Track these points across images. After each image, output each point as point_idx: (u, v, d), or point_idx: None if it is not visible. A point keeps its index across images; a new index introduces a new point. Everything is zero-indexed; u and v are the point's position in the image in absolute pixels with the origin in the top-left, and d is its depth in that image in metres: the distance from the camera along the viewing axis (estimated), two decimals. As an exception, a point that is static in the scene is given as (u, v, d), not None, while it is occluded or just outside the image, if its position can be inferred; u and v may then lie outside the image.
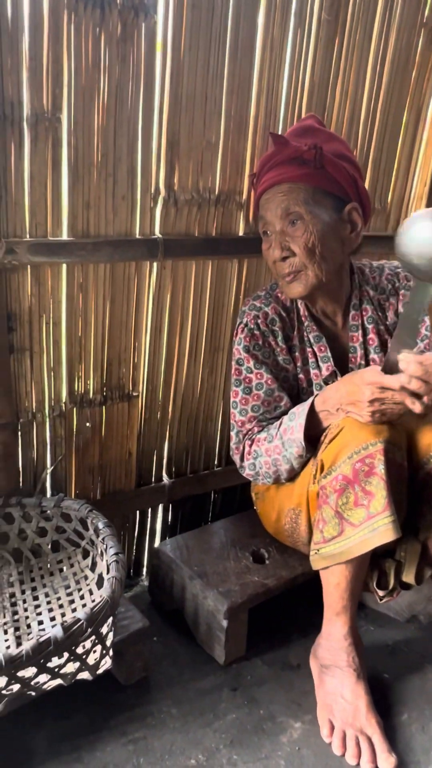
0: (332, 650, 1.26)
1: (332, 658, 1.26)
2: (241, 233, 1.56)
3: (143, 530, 1.72)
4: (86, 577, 1.38)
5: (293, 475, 1.31)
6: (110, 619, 1.11)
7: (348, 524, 1.14)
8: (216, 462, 1.77)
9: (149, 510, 1.71)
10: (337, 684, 1.24)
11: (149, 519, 1.72)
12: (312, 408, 1.25)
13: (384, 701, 1.29)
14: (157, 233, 1.43)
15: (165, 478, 1.69)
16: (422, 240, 0.93)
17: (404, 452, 1.17)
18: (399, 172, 1.76)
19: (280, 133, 1.50)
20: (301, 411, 1.27)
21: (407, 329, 1.07)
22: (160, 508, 1.73)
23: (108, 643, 1.13)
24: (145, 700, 1.28)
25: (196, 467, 1.74)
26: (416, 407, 1.07)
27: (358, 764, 1.15)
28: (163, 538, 1.75)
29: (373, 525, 1.11)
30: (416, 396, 1.07)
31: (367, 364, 1.42)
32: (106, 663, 1.13)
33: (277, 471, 1.31)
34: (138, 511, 1.69)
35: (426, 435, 1.22)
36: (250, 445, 1.35)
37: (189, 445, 1.70)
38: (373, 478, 1.11)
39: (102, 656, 1.12)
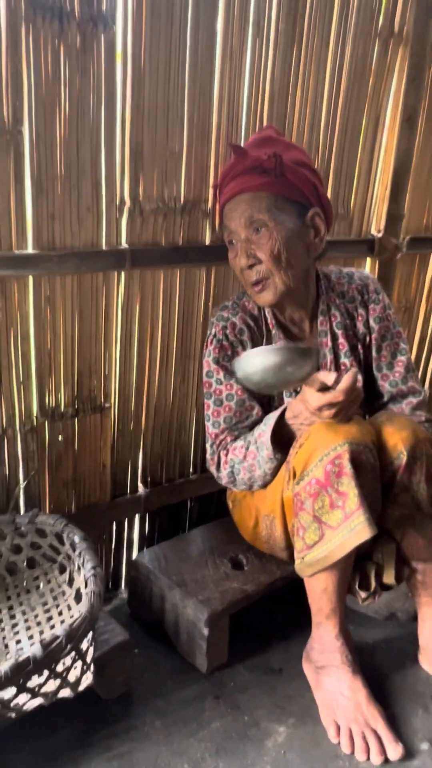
0: (326, 652, 1.27)
1: (326, 660, 1.27)
2: (208, 241, 1.56)
3: (120, 542, 1.71)
4: (64, 593, 1.36)
5: (267, 482, 1.32)
6: (90, 634, 1.10)
7: (327, 527, 1.15)
8: (191, 470, 1.77)
9: (126, 521, 1.70)
10: (334, 682, 1.25)
11: (126, 530, 1.71)
12: (283, 416, 1.26)
13: (366, 700, 1.30)
14: (124, 243, 1.43)
15: (140, 489, 1.68)
16: (245, 375, 1.10)
17: (375, 451, 1.19)
18: (360, 177, 1.79)
19: (242, 140, 1.52)
20: (272, 415, 1.28)
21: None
22: (137, 518, 1.72)
23: (88, 658, 1.11)
24: (128, 713, 1.26)
25: (171, 476, 1.73)
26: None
27: (368, 759, 1.17)
28: (140, 549, 1.74)
29: (350, 525, 1.13)
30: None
31: (338, 369, 1.44)
32: (88, 679, 1.12)
33: (252, 477, 1.32)
34: (114, 523, 1.67)
35: (392, 435, 1.24)
36: (226, 455, 1.36)
37: (163, 454, 1.70)
38: (344, 478, 1.13)
39: (83, 672, 1.11)
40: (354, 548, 1.14)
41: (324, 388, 1.12)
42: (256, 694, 1.33)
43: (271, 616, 1.54)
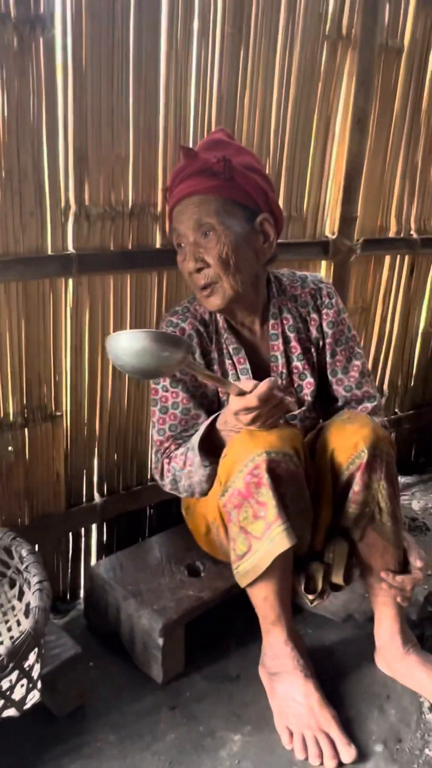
0: (277, 658, 1.27)
1: (279, 666, 1.26)
2: (158, 245, 1.55)
3: (78, 552, 1.68)
4: (14, 608, 1.32)
5: (204, 489, 1.31)
6: (35, 651, 1.07)
7: (253, 538, 1.15)
8: (149, 476, 1.75)
9: (83, 531, 1.67)
10: (287, 688, 1.24)
11: (83, 540, 1.68)
12: (215, 425, 1.26)
13: (323, 704, 1.30)
14: (71, 249, 1.41)
15: (97, 497, 1.65)
16: (115, 357, 1.04)
17: (298, 458, 1.19)
18: (313, 180, 1.80)
19: (190, 144, 1.50)
20: (206, 422, 1.28)
21: (214, 379, 1.17)
22: (94, 527, 1.70)
23: (35, 675, 1.09)
24: (80, 729, 1.24)
25: (128, 483, 1.71)
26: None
27: (322, 763, 1.16)
28: (99, 558, 1.71)
29: (271, 535, 1.13)
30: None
31: (290, 373, 1.43)
32: (34, 697, 1.09)
33: (191, 485, 1.31)
34: (71, 533, 1.64)
35: (353, 434, 1.24)
36: (169, 463, 1.35)
37: (120, 461, 1.67)
38: (263, 489, 1.13)
39: (29, 690, 1.08)
40: (281, 557, 1.14)
41: (242, 394, 1.12)
42: (213, 703, 1.32)
43: (229, 622, 1.53)
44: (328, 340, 1.45)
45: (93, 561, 1.70)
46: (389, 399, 2.29)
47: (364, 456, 1.22)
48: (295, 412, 1.40)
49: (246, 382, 1.13)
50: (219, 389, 1.38)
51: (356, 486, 1.24)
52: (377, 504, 1.26)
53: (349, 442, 1.24)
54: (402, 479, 2.37)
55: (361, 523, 1.28)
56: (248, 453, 1.15)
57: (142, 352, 1.00)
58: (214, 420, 1.26)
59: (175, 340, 1.04)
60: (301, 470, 1.19)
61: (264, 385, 1.10)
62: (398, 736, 1.24)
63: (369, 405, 1.46)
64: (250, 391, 1.10)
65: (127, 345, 1.00)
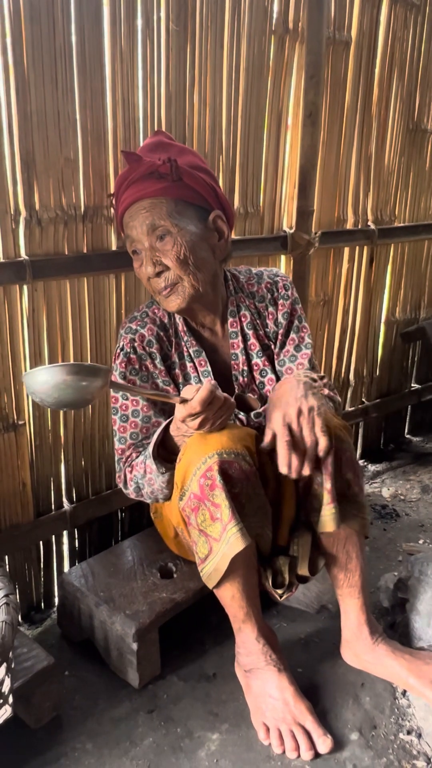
0: (250, 655, 1.27)
1: (252, 662, 1.27)
2: (114, 248, 1.53)
3: (49, 560, 1.66)
4: (-16, 622, 1.30)
5: (166, 494, 1.31)
6: (3, 666, 1.06)
7: (213, 540, 1.15)
8: (118, 480, 1.74)
9: (53, 538, 1.65)
10: (261, 684, 1.25)
11: (54, 548, 1.66)
12: (168, 430, 1.26)
13: (299, 696, 1.31)
14: (23, 255, 1.38)
15: (66, 504, 1.63)
16: (33, 393, 1.03)
17: (251, 456, 1.19)
18: (268, 175, 1.80)
19: (140, 144, 1.49)
20: (159, 428, 1.28)
21: (151, 394, 1.20)
22: (65, 534, 1.68)
23: (5, 690, 1.07)
24: (57, 740, 1.23)
25: (98, 488, 1.70)
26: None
27: (299, 756, 1.17)
28: (72, 565, 1.70)
29: (227, 536, 1.14)
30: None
31: (250, 370, 1.44)
32: (6, 712, 1.07)
33: (153, 491, 1.31)
34: (42, 542, 1.63)
35: None
36: (131, 471, 1.34)
37: (88, 466, 1.66)
38: (216, 490, 1.14)
39: (0, 706, 1.07)
40: (240, 557, 1.14)
41: (186, 401, 1.12)
42: (190, 703, 1.32)
43: (204, 621, 1.53)
44: (281, 331, 1.45)
45: (66, 568, 1.69)
46: (356, 389, 2.31)
47: None
48: (259, 410, 1.40)
49: (186, 389, 1.13)
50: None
51: (318, 479, 1.25)
52: (341, 493, 1.26)
53: None
54: (372, 467, 2.40)
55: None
56: (201, 456, 1.15)
57: (61, 385, 0.99)
58: (168, 426, 1.25)
59: (92, 369, 1.02)
60: (255, 469, 1.19)
61: (204, 390, 1.10)
62: (373, 722, 1.26)
63: (324, 382, 1.46)
64: (192, 398, 1.10)
65: (43, 380, 0.99)
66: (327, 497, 1.22)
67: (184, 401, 1.12)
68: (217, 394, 1.12)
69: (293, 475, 1.16)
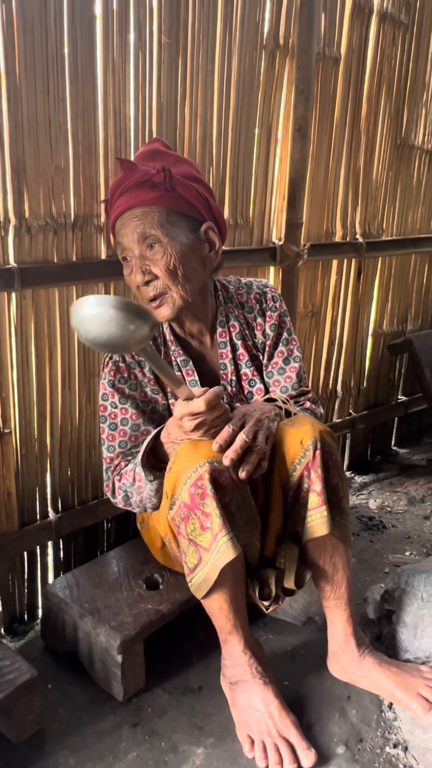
0: (235, 667, 1.26)
1: (238, 675, 1.26)
2: (103, 256, 1.53)
3: (34, 571, 1.64)
4: (-34, 634, 1.28)
5: (155, 503, 1.30)
6: (-15, 679, 1.04)
7: (203, 549, 1.15)
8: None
9: (38, 549, 1.63)
10: (247, 697, 1.24)
11: (39, 558, 1.64)
12: (159, 438, 1.25)
13: (285, 709, 1.30)
14: (12, 262, 1.38)
15: (51, 514, 1.62)
16: (83, 330, 1.00)
17: None
18: (257, 187, 1.81)
19: (131, 154, 1.50)
20: (150, 436, 1.27)
21: (169, 376, 1.12)
22: (50, 545, 1.66)
23: (-14, 704, 1.05)
24: (39, 754, 1.21)
25: (84, 498, 1.68)
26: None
27: None
28: (57, 576, 1.68)
29: (217, 546, 1.13)
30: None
31: (239, 380, 1.44)
32: (-13, 726, 1.05)
33: (142, 500, 1.30)
34: (26, 552, 1.61)
35: (295, 435, 1.25)
36: (119, 480, 1.33)
37: (74, 476, 1.65)
38: (207, 500, 1.13)
39: (-19, 720, 1.05)
40: (229, 567, 1.13)
41: (190, 399, 1.11)
42: (175, 716, 1.30)
43: (190, 633, 1.52)
44: (268, 342, 1.46)
45: (51, 579, 1.66)
46: (343, 400, 2.33)
47: (309, 454, 1.22)
48: None
49: (196, 389, 1.13)
50: (168, 389, 1.38)
51: (304, 485, 1.24)
52: (327, 501, 1.25)
53: (294, 443, 1.24)
54: (358, 479, 2.41)
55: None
56: (191, 464, 1.15)
57: (108, 319, 0.95)
58: (158, 433, 1.25)
59: (140, 311, 0.99)
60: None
61: (211, 393, 1.10)
62: (359, 736, 1.25)
63: (307, 397, 1.48)
64: (199, 396, 1.10)
65: (90, 312, 0.96)
66: (317, 500, 1.22)
67: (190, 397, 1.11)
68: (221, 402, 1.13)
69: (226, 462, 1.14)
